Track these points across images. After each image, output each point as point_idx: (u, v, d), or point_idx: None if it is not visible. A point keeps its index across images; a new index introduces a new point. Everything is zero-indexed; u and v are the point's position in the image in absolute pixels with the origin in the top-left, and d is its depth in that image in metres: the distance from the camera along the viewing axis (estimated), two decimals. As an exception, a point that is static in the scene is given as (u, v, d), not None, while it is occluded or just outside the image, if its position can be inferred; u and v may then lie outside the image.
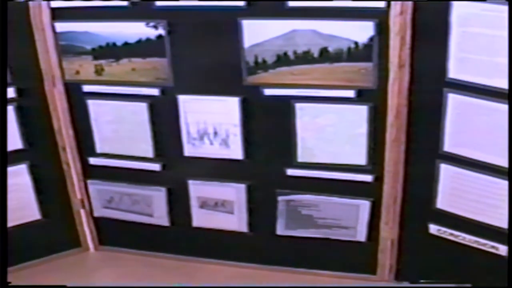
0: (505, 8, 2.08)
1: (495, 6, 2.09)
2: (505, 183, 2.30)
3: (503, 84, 2.16)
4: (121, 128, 2.64)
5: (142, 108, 2.58)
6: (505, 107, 2.18)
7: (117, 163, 2.74)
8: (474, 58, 2.18)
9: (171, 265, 2.91)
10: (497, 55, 2.14)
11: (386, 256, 2.68)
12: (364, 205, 2.56)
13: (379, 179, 2.51)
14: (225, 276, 2.80)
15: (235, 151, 2.56)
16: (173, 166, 2.71)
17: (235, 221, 2.74)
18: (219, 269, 2.86)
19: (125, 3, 2.42)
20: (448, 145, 2.36)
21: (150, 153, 2.67)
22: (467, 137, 2.32)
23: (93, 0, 2.44)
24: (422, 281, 2.66)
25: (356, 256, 2.73)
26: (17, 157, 2.67)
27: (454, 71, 2.23)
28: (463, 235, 2.50)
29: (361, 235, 2.65)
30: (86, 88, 2.62)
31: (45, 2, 2.48)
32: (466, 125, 2.30)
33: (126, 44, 2.48)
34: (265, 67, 2.37)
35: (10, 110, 2.58)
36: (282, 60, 2.35)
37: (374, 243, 2.67)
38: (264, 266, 2.83)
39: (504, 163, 2.27)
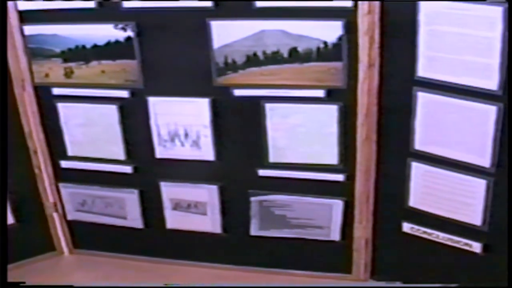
0: (473, 6, 2.08)
1: (462, 4, 2.09)
2: (476, 181, 2.31)
3: (472, 82, 2.16)
4: (91, 130, 2.62)
5: (112, 110, 2.57)
6: (474, 104, 2.19)
7: (89, 166, 2.72)
8: (443, 57, 2.19)
9: (145, 267, 2.90)
10: (465, 53, 2.14)
11: (361, 255, 2.68)
12: (337, 205, 2.56)
13: (351, 178, 2.50)
14: (199, 277, 2.80)
15: (206, 152, 2.55)
16: (145, 168, 2.69)
17: (209, 222, 2.73)
18: (193, 271, 2.85)
19: (92, 5, 2.38)
20: (419, 144, 2.36)
21: (121, 156, 2.66)
22: (437, 135, 2.32)
23: (61, 0, 2.40)
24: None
25: (330, 256, 2.73)
26: (-13, 161, 2.64)
27: (423, 70, 2.24)
28: (436, 233, 2.50)
29: (335, 235, 2.64)
30: (56, 91, 2.60)
31: (12, 3, 2.44)
32: (436, 123, 2.30)
33: (95, 46, 2.46)
34: (235, 68, 2.37)
35: (-21, 114, 2.55)
36: (252, 60, 2.34)
37: (348, 242, 2.67)
38: (239, 267, 2.83)
39: (475, 160, 2.28)
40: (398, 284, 2.68)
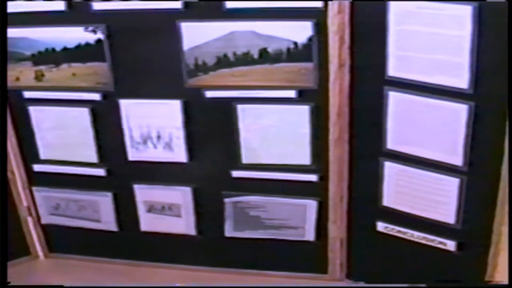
0: (442, 5, 2.08)
1: (431, 4, 2.09)
2: (449, 179, 2.32)
3: (442, 81, 2.17)
4: (64, 134, 2.60)
5: (84, 113, 2.55)
6: (445, 103, 2.19)
7: (62, 169, 2.71)
8: (413, 56, 2.19)
9: (121, 270, 2.89)
10: (435, 53, 2.14)
11: (336, 254, 2.68)
12: (311, 205, 2.56)
13: (324, 178, 2.51)
14: (175, 279, 2.79)
15: (179, 154, 2.54)
16: (118, 171, 2.68)
17: (183, 224, 2.72)
18: (169, 273, 2.84)
19: (62, 8, 2.37)
20: (391, 143, 2.36)
21: (94, 159, 2.65)
22: (409, 135, 2.33)
23: (31, 0, 2.38)
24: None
25: (306, 256, 2.72)
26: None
27: (393, 69, 2.24)
28: (411, 231, 2.50)
29: (309, 235, 2.64)
30: (27, 94, 2.59)
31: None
32: (408, 122, 2.31)
33: (65, 49, 2.45)
34: (206, 69, 2.36)
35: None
36: (222, 61, 2.34)
37: (323, 242, 2.67)
38: (214, 269, 2.82)
39: (447, 159, 2.29)
40: (362, 284, 2.68)
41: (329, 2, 2.19)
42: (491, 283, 2.37)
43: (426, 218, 2.44)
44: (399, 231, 2.52)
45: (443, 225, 2.41)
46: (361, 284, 2.70)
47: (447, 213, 2.38)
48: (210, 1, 2.27)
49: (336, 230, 2.61)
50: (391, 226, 2.53)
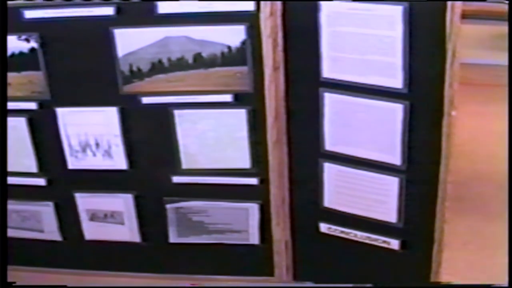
0: (373, 6, 2.10)
1: (362, 4, 2.10)
2: (388, 178, 2.34)
3: (377, 81, 2.19)
4: (1, 144, 2.56)
5: (21, 123, 2.52)
6: (380, 103, 2.21)
7: (2, 180, 2.66)
8: (346, 57, 2.20)
9: (66, 280, 2.85)
10: (368, 53, 2.16)
11: (282, 257, 2.68)
12: (253, 208, 2.56)
13: (265, 181, 2.51)
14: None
15: (119, 162, 2.52)
16: (59, 180, 2.65)
17: (127, 231, 2.70)
18: (115, 281, 2.82)
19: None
20: (329, 144, 2.37)
21: (33, 168, 2.62)
22: (347, 135, 2.34)
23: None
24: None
25: (252, 259, 2.73)
26: None
27: (327, 71, 2.25)
28: (354, 232, 2.52)
29: (253, 238, 2.64)
30: (-38, 105, 2.54)
31: None
32: (345, 123, 2.32)
33: (-1, 58, 2.41)
34: (141, 76, 2.35)
35: None
36: (157, 67, 2.32)
37: (268, 245, 2.67)
38: (161, 275, 2.80)
39: (386, 158, 2.31)
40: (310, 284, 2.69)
41: (261, 5, 2.18)
42: (439, 282, 2.39)
43: (369, 218, 2.45)
44: (342, 232, 2.53)
45: (386, 224, 2.43)
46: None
47: (389, 212, 2.40)
48: (143, 7, 2.24)
49: (280, 233, 2.61)
50: (334, 227, 2.54)
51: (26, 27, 2.37)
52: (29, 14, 2.34)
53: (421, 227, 2.39)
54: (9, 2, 2.31)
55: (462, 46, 2.06)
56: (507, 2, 4.02)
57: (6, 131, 2.44)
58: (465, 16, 2.06)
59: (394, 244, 2.47)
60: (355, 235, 2.53)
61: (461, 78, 2.11)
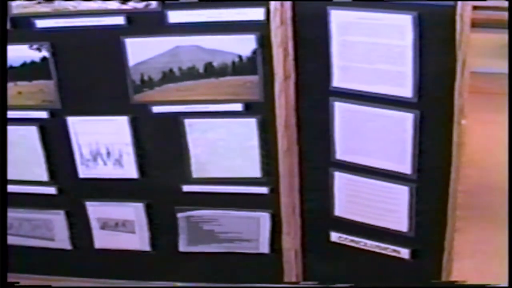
0: (382, 15, 2.10)
1: (372, 14, 2.11)
2: (398, 187, 2.34)
3: (387, 90, 2.19)
4: (12, 153, 2.57)
5: (32, 131, 2.53)
6: (390, 112, 2.21)
7: (13, 188, 2.67)
8: (356, 66, 2.20)
9: (76, 288, 2.86)
10: (378, 62, 2.16)
11: (291, 266, 2.68)
12: (264, 217, 2.56)
13: (275, 190, 2.50)
14: (131, 296, 2.77)
15: (129, 171, 2.53)
16: (69, 188, 2.66)
17: (137, 240, 2.70)
18: (124, 290, 2.82)
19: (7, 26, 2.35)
20: (340, 153, 2.37)
21: (44, 177, 2.62)
22: (357, 144, 2.34)
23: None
24: None
25: (261, 268, 2.72)
26: None
27: (338, 80, 2.25)
28: (364, 241, 2.51)
29: (264, 247, 2.64)
30: (-26, 113, 2.55)
31: None
32: (355, 132, 2.32)
33: (11, 67, 2.42)
34: (151, 85, 2.36)
35: None
36: (168, 77, 2.33)
37: (278, 254, 2.66)
38: (169, 284, 2.80)
39: (396, 167, 2.31)
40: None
41: (272, 14, 2.18)
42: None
43: (379, 227, 2.45)
44: (352, 241, 2.53)
45: (396, 233, 2.42)
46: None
47: (399, 221, 2.39)
48: (153, 16, 2.25)
49: (290, 242, 2.61)
50: (344, 236, 2.54)
51: (38, 37, 2.38)
52: (40, 23, 2.35)
53: (432, 236, 2.39)
54: (20, 11, 2.31)
55: (472, 55, 2.05)
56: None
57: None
58: (474, 24, 2.06)
59: (404, 253, 2.46)
60: (365, 244, 2.52)
61: (470, 87, 2.10)
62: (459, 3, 1.98)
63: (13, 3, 2.32)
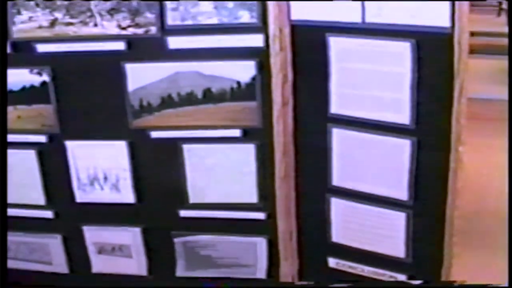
0: (381, 43, 2.12)
1: (371, 41, 2.12)
2: (395, 214, 2.34)
3: (384, 117, 2.20)
4: (10, 176, 2.56)
5: (30, 155, 2.54)
6: (388, 139, 2.21)
7: (10, 212, 2.65)
8: (355, 93, 2.22)
9: (73, 313, 2.85)
10: (376, 89, 2.17)
11: (289, 292, 2.67)
12: (261, 243, 2.56)
13: (272, 216, 2.50)
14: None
15: (126, 195, 2.53)
16: (66, 212, 2.66)
17: (134, 265, 2.70)
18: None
19: (7, 50, 2.36)
20: (337, 179, 2.37)
21: (41, 201, 2.63)
22: (354, 171, 2.34)
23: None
24: None
25: (259, 294, 2.71)
26: None
27: (336, 107, 2.26)
28: (362, 266, 2.51)
29: (261, 273, 2.64)
30: (-28, 136, 2.56)
31: None
32: (353, 158, 2.33)
33: (10, 92, 2.43)
34: (150, 110, 2.37)
35: None
36: (167, 102, 2.35)
37: (275, 280, 2.65)
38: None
39: (393, 194, 2.31)
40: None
41: (271, 41, 2.19)
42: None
43: (376, 253, 2.45)
44: (350, 267, 2.52)
45: (393, 259, 2.42)
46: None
47: (396, 247, 2.39)
48: (154, 42, 2.27)
49: (288, 267, 2.60)
50: (342, 262, 2.53)
51: (38, 61, 2.40)
52: (41, 48, 2.37)
53: (429, 262, 2.39)
54: (21, 36, 2.33)
55: (469, 81, 2.07)
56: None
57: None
58: (472, 51, 2.07)
59: (401, 279, 2.46)
60: (362, 270, 2.52)
61: (468, 113, 2.11)
62: (457, 29, 1.99)
63: (14, 28, 2.33)
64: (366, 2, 2.08)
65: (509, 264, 2.27)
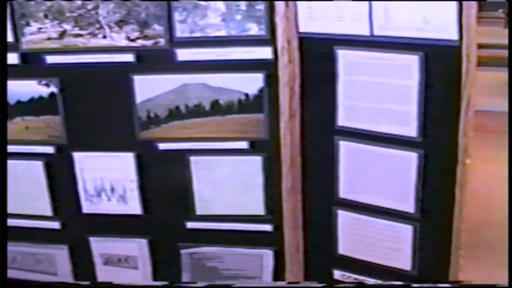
0: (389, 55, 2.12)
1: (379, 54, 2.13)
2: (402, 226, 2.34)
3: (391, 129, 2.20)
4: (17, 187, 2.58)
5: (37, 166, 2.55)
6: (395, 152, 2.22)
7: (16, 222, 2.67)
8: (362, 106, 2.22)
9: (78, 324, 2.84)
10: (384, 102, 2.18)
11: (294, 304, 2.66)
12: (267, 255, 2.56)
13: (279, 228, 2.50)
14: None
15: (133, 207, 2.53)
16: (73, 223, 2.66)
17: (140, 276, 2.70)
18: (127, 326, 2.80)
19: (16, 61, 2.37)
20: (343, 192, 2.37)
21: (48, 212, 2.63)
22: (361, 183, 2.35)
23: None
24: None
25: (264, 306, 2.70)
26: None
27: (343, 119, 2.26)
28: (367, 279, 2.50)
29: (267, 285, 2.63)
30: (-20, 147, 2.56)
31: None
32: (359, 171, 2.33)
33: (18, 102, 2.45)
34: (158, 122, 2.37)
35: None
36: (174, 114, 2.35)
37: (281, 291, 2.65)
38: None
39: (400, 206, 2.31)
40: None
41: (279, 53, 2.20)
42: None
43: (382, 265, 2.44)
44: (355, 279, 2.52)
45: (400, 272, 2.42)
46: None
47: (403, 260, 2.39)
48: (162, 54, 2.28)
49: (294, 279, 2.60)
50: (348, 274, 2.53)
51: (47, 72, 2.41)
52: (50, 59, 2.38)
53: (435, 275, 2.38)
54: (30, 47, 2.34)
55: (476, 93, 2.07)
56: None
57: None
58: (479, 63, 2.07)
59: (407, 292, 2.45)
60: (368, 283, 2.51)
61: (474, 125, 2.11)
62: (464, 42, 1.99)
63: (24, 39, 2.34)
64: (374, 15, 2.08)
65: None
